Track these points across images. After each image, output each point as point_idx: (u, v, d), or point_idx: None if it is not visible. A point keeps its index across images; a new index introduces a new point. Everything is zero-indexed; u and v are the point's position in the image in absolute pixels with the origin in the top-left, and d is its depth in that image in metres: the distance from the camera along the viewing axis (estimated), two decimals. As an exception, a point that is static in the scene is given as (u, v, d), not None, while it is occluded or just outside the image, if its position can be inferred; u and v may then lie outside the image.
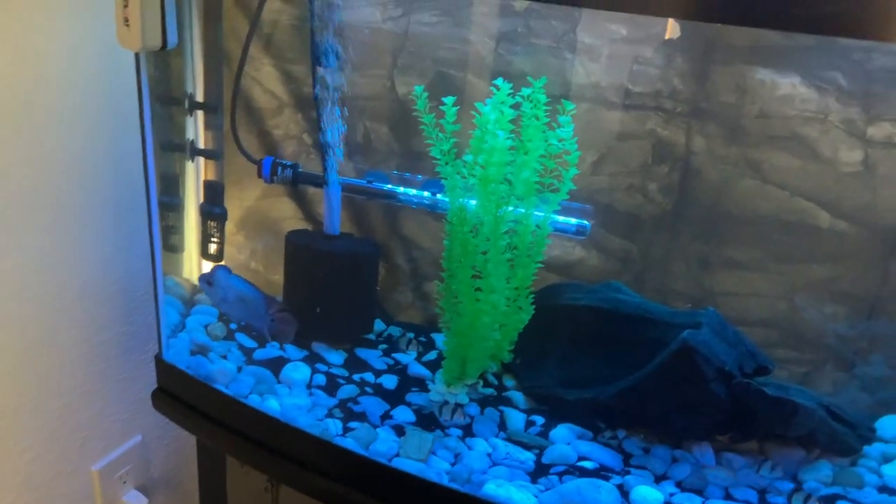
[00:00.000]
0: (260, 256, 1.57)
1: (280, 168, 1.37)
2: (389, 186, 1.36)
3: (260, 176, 1.38)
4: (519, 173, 1.14)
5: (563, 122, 1.11)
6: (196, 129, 1.42)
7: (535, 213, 1.18)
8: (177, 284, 1.44)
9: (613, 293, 1.25)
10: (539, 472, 1.09)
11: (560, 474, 1.08)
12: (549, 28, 1.24)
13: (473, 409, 1.21)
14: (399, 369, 1.32)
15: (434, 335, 1.41)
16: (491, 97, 1.11)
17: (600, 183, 1.28)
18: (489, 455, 1.11)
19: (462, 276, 1.19)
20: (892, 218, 1.17)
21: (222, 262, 1.46)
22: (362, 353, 1.36)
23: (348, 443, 1.11)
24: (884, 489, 1.06)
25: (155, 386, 1.31)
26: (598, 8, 1.23)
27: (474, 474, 1.06)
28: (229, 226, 1.50)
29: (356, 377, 1.29)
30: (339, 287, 1.34)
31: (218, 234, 1.46)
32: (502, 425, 1.18)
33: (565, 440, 1.15)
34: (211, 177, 1.45)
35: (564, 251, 1.34)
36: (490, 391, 1.26)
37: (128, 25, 1.06)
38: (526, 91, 1.10)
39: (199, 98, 1.40)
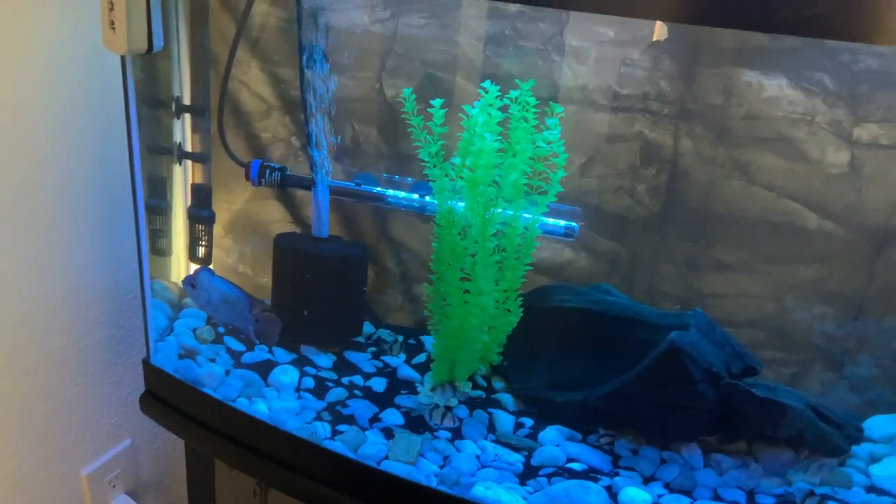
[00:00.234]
0: (248, 260, 1.57)
1: (268, 171, 1.37)
2: (378, 189, 1.35)
3: (248, 179, 1.38)
4: (507, 175, 1.14)
5: (551, 124, 1.11)
6: (183, 132, 1.41)
7: (524, 215, 1.18)
8: (165, 288, 1.44)
9: (602, 295, 1.25)
10: (528, 474, 1.09)
11: (549, 476, 1.08)
12: (537, 30, 1.24)
13: (462, 412, 1.21)
14: (388, 372, 1.32)
15: (423, 337, 1.41)
16: (479, 99, 1.11)
17: (589, 185, 1.29)
18: (478, 457, 1.11)
19: (451, 279, 1.19)
20: (878, 218, 1.17)
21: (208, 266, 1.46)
22: (351, 356, 1.36)
23: (337, 446, 1.11)
24: (872, 489, 1.06)
25: (143, 390, 1.30)
26: (585, 10, 1.22)
27: (463, 476, 1.06)
28: (217, 229, 1.49)
29: (345, 380, 1.29)
30: (327, 290, 1.33)
31: (206, 238, 1.46)
32: (491, 427, 1.18)
33: (554, 442, 1.15)
34: (198, 180, 1.45)
35: (553, 253, 1.34)
36: (479, 393, 1.26)
37: (114, 29, 1.05)
38: (514, 93, 1.10)
39: (187, 101, 1.40)
